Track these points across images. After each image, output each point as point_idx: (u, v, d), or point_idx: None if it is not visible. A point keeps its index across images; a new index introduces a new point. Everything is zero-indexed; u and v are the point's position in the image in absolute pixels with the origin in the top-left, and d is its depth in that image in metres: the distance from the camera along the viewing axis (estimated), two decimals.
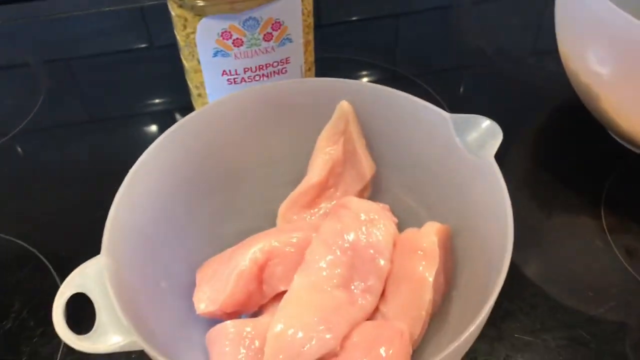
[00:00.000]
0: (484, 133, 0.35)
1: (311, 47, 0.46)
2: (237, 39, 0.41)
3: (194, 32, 0.41)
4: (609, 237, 0.46)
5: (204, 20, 0.40)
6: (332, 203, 0.42)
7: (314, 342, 0.33)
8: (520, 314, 0.41)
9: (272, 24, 0.42)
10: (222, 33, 0.41)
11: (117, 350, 0.27)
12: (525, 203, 0.48)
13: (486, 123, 0.35)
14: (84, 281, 0.29)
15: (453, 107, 0.54)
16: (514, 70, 0.60)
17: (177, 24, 0.41)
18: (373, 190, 0.43)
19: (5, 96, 0.60)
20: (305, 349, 0.33)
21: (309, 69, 0.47)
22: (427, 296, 0.35)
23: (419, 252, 0.36)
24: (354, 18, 0.67)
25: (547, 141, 0.54)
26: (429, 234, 0.36)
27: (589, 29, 0.43)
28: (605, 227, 0.46)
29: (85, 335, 0.28)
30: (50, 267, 0.44)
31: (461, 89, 0.59)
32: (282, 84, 0.39)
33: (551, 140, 0.54)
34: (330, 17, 0.67)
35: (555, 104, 0.56)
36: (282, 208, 0.42)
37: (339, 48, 0.62)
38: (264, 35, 0.42)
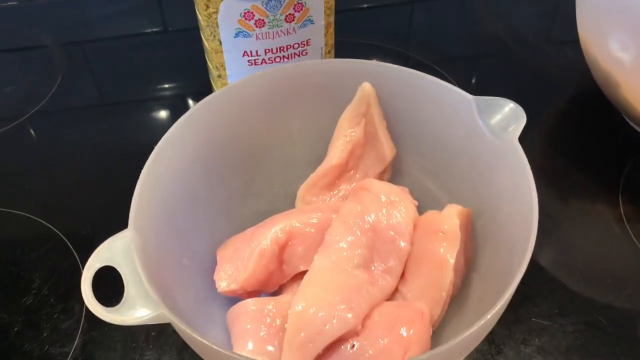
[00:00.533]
0: (508, 116, 0.35)
1: (332, 29, 0.46)
2: (259, 19, 0.41)
3: (216, 12, 0.41)
4: (627, 225, 0.46)
5: (226, 0, 0.40)
6: (352, 185, 0.42)
7: (335, 321, 0.34)
8: (538, 298, 0.42)
9: (295, 5, 0.42)
10: (245, 13, 0.41)
11: (146, 322, 0.28)
12: (542, 190, 0.47)
13: (510, 106, 0.35)
14: (112, 254, 0.29)
15: (471, 93, 0.54)
16: (530, 57, 0.60)
17: (200, 4, 0.41)
18: (393, 173, 0.43)
19: (23, 78, 0.60)
20: (326, 327, 0.34)
21: (329, 52, 0.47)
22: (448, 277, 0.35)
23: (440, 233, 0.36)
24: (368, 4, 0.67)
25: (564, 128, 0.54)
26: (451, 216, 0.36)
27: (612, 13, 0.43)
28: (623, 214, 0.46)
29: (114, 308, 0.28)
30: (70, 244, 0.45)
31: (477, 76, 0.59)
32: (304, 64, 0.39)
33: (569, 128, 0.54)
34: (347, 2, 0.67)
35: (573, 92, 0.56)
36: (302, 189, 0.42)
37: (354, 33, 0.62)
38: (286, 16, 0.42)
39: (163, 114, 0.57)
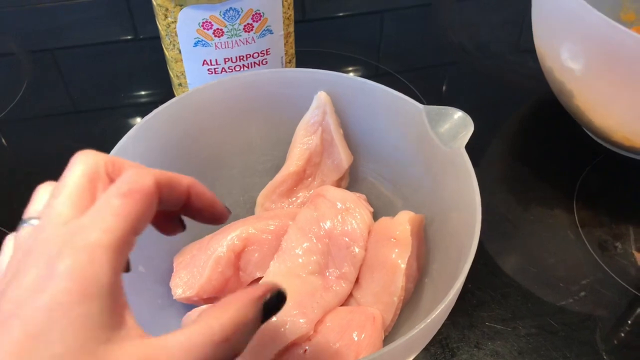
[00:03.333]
0: (456, 124, 0.36)
1: (292, 39, 0.46)
2: (218, 29, 0.42)
3: (174, 22, 0.42)
4: (581, 230, 0.47)
5: (184, 9, 0.41)
6: (310, 192, 0.43)
7: (287, 326, 0.34)
8: (493, 303, 0.42)
9: (253, 15, 0.42)
10: (203, 23, 0.42)
11: None
12: (503, 196, 0.49)
13: (458, 114, 0.36)
14: None
15: (433, 102, 0.55)
16: (494, 67, 0.61)
17: (159, 13, 0.42)
18: (350, 180, 0.43)
19: None
20: (278, 333, 0.34)
21: (290, 61, 0.48)
22: (399, 283, 0.36)
23: (392, 240, 0.37)
24: (339, 14, 0.68)
25: (524, 136, 0.55)
26: (402, 223, 0.37)
27: (563, 26, 0.44)
28: (577, 220, 0.47)
29: None
30: None
31: (442, 85, 0.60)
32: (261, 73, 0.40)
33: (528, 135, 0.55)
34: (315, 11, 0.68)
35: (534, 101, 0.58)
36: (261, 196, 0.43)
37: (323, 42, 0.63)
38: (245, 26, 0.42)
39: (132, 120, 0.57)
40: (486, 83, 0.60)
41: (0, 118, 0.55)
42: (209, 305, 0.38)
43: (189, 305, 0.38)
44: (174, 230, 0.29)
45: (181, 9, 0.41)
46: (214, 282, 0.38)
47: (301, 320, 0.35)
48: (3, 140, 0.55)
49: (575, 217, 0.48)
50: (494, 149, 0.54)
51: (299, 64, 0.49)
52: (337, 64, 0.61)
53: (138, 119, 0.56)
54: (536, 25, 0.49)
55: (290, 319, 0.34)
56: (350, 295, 0.38)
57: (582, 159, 0.51)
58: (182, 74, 0.45)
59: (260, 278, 0.38)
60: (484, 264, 0.44)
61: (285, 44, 0.46)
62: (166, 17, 0.41)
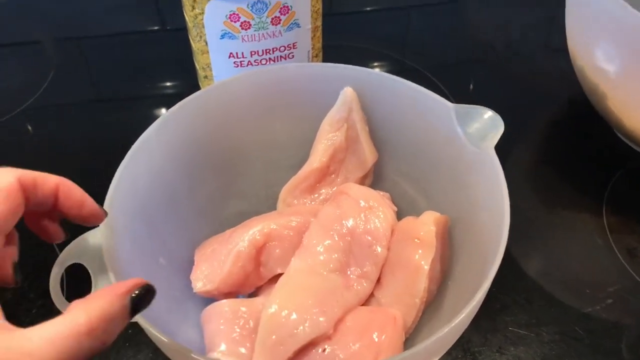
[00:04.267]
0: (486, 124, 0.35)
1: (319, 33, 0.46)
2: (245, 21, 0.42)
3: (202, 13, 0.41)
4: (610, 237, 0.46)
5: (212, 1, 0.40)
6: (333, 189, 0.42)
7: (307, 324, 0.34)
8: (516, 307, 0.42)
9: (281, 8, 0.42)
10: (230, 15, 0.41)
11: None
12: (529, 197, 0.48)
13: (488, 114, 0.35)
14: (82, 252, 0.29)
15: (460, 101, 0.54)
16: (523, 66, 0.60)
17: (186, 5, 0.42)
18: (374, 178, 0.43)
19: (16, 72, 0.60)
20: (298, 330, 0.34)
21: (317, 55, 0.47)
22: (422, 284, 0.35)
23: (416, 240, 0.36)
24: (367, 8, 0.67)
25: (553, 137, 0.54)
26: (427, 223, 0.36)
27: (599, 25, 0.43)
28: (606, 225, 0.46)
29: None
30: None
31: (470, 83, 0.59)
32: (287, 67, 0.39)
33: (558, 137, 0.54)
34: (341, 5, 0.67)
35: (564, 101, 0.56)
36: (283, 192, 0.42)
37: (349, 36, 0.62)
38: (272, 19, 0.42)
39: (157, 111, 0.57)
40: (515, 82, 0.59)
41: (27, 106, 0.56)
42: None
43: (208, 299, 0.38)
44: (55, 235, 0.29)
45: (209, 0, 0.40)
46: (234, 276, 0.38)
47: (321, 319, 0.34)
48: (29, 128, 0.55)
49: (604, 223, 0.46)
50: (521, 150, 0.53)
51: (325, 59, 0.49)
52: (363, 59, 0.60)
53: (163, 110, 0.56)
54: (570, 24, 0.48)
55: (310, 317, 0.34)
56: (372, 295, 0.37)
57: (613, 163, 0.50)
58: (208, 66, 0.45)
59: (281, 274, 0.37)
60: (509, 267, 0.43)
61: (312, 38, 0.45)
62: (194, 8, 0.41)
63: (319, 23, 0.45)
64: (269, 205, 0.43)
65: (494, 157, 0.33)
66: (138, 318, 0.28)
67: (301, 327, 0.34)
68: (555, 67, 0.59)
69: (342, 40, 0.61)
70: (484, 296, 0.30)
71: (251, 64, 0.44)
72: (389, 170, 0.42)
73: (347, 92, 0.39)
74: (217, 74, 0.45)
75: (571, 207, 0.48)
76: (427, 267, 0.35)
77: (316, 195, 0.42)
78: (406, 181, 0.42)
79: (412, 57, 0.61)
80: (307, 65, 0.43)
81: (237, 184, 0.42)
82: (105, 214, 0.29)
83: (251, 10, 0.41)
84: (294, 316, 0.34)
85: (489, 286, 0.30)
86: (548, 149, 0.53)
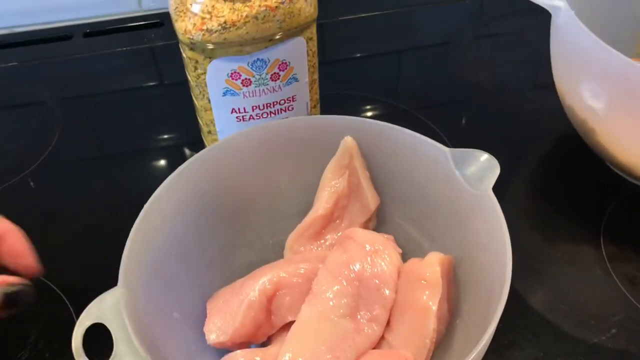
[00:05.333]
0: (482, 167, 0.37)
1: (316, 85, 0.48)
2: (246, 79, 0.44)
3: (204, 73, 0.43)
4: (609, 266, 0.47)
5: (214, 62, 0.42)
6: (338, 234, 0.43)
7: None
8: (523, 342, 0.42)
9: (279, 65, 0.44)
10: (232, 74, 0.43)
11: None
12: (527, 233, 0.50)
13: (484, 157, 0.37)
14: (101, 312, 0.31)
15: (454, 140, 0.56)
16: (513, 104, 0.62)
17: (189, 65, 0.44)
18: (377, 222, 0.44)
19: (22, 133, 0.62)
20: None
21: (315, 106, 0.49)
22: (431, 325, 0.36)
23: (423, 281, 0.37)
24: (357, 55, 0.70)
25: (547, 173, 0.56)
26: (432, 264, 0.38)
27: (581, 66, 0.45)
28: (605, 256, 0.47)
29: None
30: (65, 299, 0.46)
31: (462, 123, 0.61)
32: (289, 121, 0.41)
33: (551, 172, 0.56)
34: (333, 54, 0.69)
35: (555, 137, 0.58)
36: (290, 240, 0.44)
37: (342, 84, 0.64)
38: (271, 75, 0.44)
39: (161, 164, 0.58)
40: (506, 120, 0.60)
41: (35, 166, 0.57)
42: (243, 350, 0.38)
43: (223, 349, 0.39)
44: None
45: (210, 61, 0.42)
46: (247, 327, 0.38)
47: None
48: (37, 188, 0.56)
49: (603, 253, 0.48)
50: (516, 187, 0.54)
51: (322, 107, 0.51)
52: (357, 105, 0.62)
53: (165, 162, 0.58)
54: (555, 65, 0.50)
55: None
56: (382, 337, 0.38)
57: (607, 194, 0.52)
58: (212, 122, 0.47)
59: (293, 322, 0.38)
60: (513, 303, 0.44)
61: (310, 90, 0.47)
62: (196, 69, 0.43)
63: (316, 76, 0.47)
64: (276, 253, 0.44)
65: (493, 198, 0.35)
66: None
67: None
68: (544, 103, 0.61)
69: (335, 89, 0.63)
70: (492, 335, 0.31)
71: (253, 118, 0.46)
72: (391, 213, 0.44)
73: (348, 141, 0.41)
74: (221, 129, 0.47)
75: (569, 240, 0.49)
76: (435, 308, 0.36)
77: (322, 241, 0.44)
78: (409, 223, 0.43)
79: (404, 101, 0.63)
80: (308, 118, 0.45)
81: (244, 234, 0.44)
82: (42, 271, 0.30)
83: (251, 68, 0.43)
84: None
85: (496, 325, 0.31)
86: (543, 184, 0.55)
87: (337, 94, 0.62)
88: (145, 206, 0.36)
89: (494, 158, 0.37)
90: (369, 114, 0.62)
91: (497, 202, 0.34)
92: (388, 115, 0.61)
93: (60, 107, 0.64)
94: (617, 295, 0.45)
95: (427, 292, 0.37)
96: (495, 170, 0.36)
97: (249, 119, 0.46)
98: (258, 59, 0.43)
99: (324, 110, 0.51)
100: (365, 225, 0.44)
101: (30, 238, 0.50)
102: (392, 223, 0.44)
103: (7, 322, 0.44)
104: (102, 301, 0.31)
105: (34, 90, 0.66)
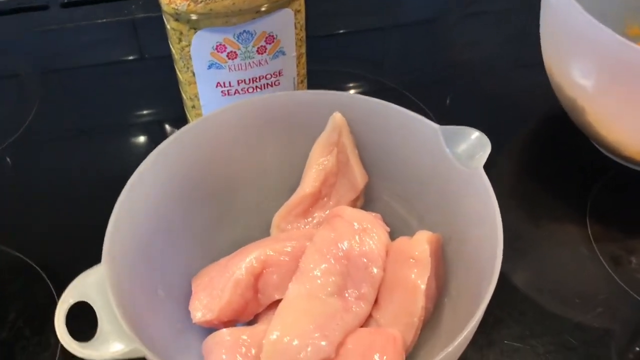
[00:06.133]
0: (473, 144, 0.36)
1: (303, 59, 0.47)
2: (232, 51, 0.42)
3: (189, 45, 0.42)
4: (595, 246, 0.47)
5: (199, 33, 0.41)
6: (326, 213, 0.43)
7: (309, 349, 0.34)
8: (510, 320, 0.42)
9: (266, 38, 0.43)
10: (217, 46, 0.42)
11: (120, 357, 0.28)
12: (514, 213, 0.50)
13: (475, 134, 0.36)
14: (85, 290, 0.30)
15: (440, 118, 0.55)
16: (500, 82, 0.61)
17: (173, 37, 0.42)
18: (366, 200, 0.44)
19: None
20: (300, 356, 0.34)
21: (302, 82, 0.48)
22: (419, 303, 0.36)
23: (411, 260, 0.37)
24: (341, 31, 0.69)
25: (533, 152, 0.56)
26: (421, 242, 0.37)
27: (572, 43, 0.44)
28: (590, 235, 0.48)
29: (87, 343, 0.28)
30: (45, 277, 0.45)
31: (448, 101, 0.60)
32: (276, 96, 0.40)
33: (537, 151, 0.55)
34: (319, 29, 0.68)
35: (541, 116, 0.58)
36: (277, 217, 0.43)
37: (328, 60, 0.63)
38: (258, 48, 0.43)
39: (142, 140, 0.57)
40: (492, 99, 0.60)
41: (11, 141, 0.55)
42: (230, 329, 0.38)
43: (209, 328, 0.38)
44: None
45: (195, 32, 0.41)
46: (234, 305, 0.38)
47: (323, 343, 0.35)
48: (13, 164, 0.55)
49: (588, 233, 0.48)
50: (503, 166, 0.54)
51: (309, 83, 0.50)
52: (343, 82, 0.61)
53: (146, 138, 0.56)
54: (545, 43, 0.49)
55: (312, 342, 0.34)
56: (370, 316, 0.38)
57: (593, 174, 0.52)
58: (196, 96, 0.45)
59: (279, 300, 0.38)
60: (500, 282, 0.44)
61: (297, 65, 0.46)
62: (180, 40, 0.42)
63: (303, 50, 0.46)
64: (262, 231, 0.43)
65: (484, 175, 0.34)
66: (147, 354, 0.28)
67: (303, 352, 0.34)
68: (532, 82, 0.60)
69: (321, 65, 0.62)
70: (482, 315, 0.31)
71: (238, 93, 0.45)
72: (380, 191, 0.43)
73: (336, 117, 0.40)
74: (205, 104, 0.46)
75: (555, 219, 0.49)
76: (423, 286, 0.36)
77: (309, 219, 0.43)
78: (397, 202, 0.43)
79: (391, 78, 0.62)
80: (295, 93, 0.44)
81: (230, 212, 0.43)
82: None
83: (237, 40, 0.42)
84: (295, 342, 0.34)
85: (487, 304, 0.30)
86: (529, 163, 0.55)
87: (323, 70, 0.61)
88: (130, 181, 0.35)
89: (485, 136, 0.36)
90: (354, 90, 0.61)
91: (487, 179, 0.34)
92: (374, 92, 0.60)
93: (37, 80, 0.62)
94: (602, 275, 0.45)
95: (415, 271, 0.37)
96: (487, 147, 0.36)
97: (235, 93, 0.45)
98: (244, 30, 0.42)
99: (311, 87, 0.49)
100: (354, 204, 0.43)
101: (4, 216, 0.49)
102: (381, 201, 0.43)
103: None
104: (85, 279, 0.30)
105: (9, 61, 0.64)
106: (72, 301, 0.30)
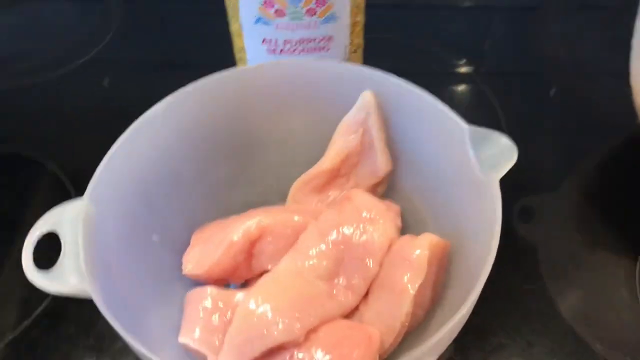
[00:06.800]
0: (500, 151, 0.33)
1: (359, 28, 0.44)
2: (279, 9, 0.41)
3: None
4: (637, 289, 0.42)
5: None
6: (343, 193, 0.41)
7: (279, 327, 0.33)
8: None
9: (317, 0, 0.40)
10: (265, 1, 0.40)
11: (68, 294, 0.28)
12: (568, 236, 0.45)
13: (503, 141, 0.33)
14: (59, 221, 0.30)
15: (507, 116, 0.51)
16: (587, 90, 0.55)
17: None
18: (388, 188, 0.41)
19: (80, 25, 0.62)
20: (268, 332, 0.33)
21: (355, 51, 0.45)
22: (405, 308, 0.34)
23: (407, 261, 0.35)
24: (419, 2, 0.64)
25: (604, 174, 0.50)
26: (421, 246, 0.34)
27: None
28: (637, 278, 0.42)
29: (46, 271, 0.29)
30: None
31: (521, 99, 0.55)
32: (309, 62, 0.38)
33: (608, 175, 0.49)
34: None
35: (624, 135, 0.51)
36: (293, 188, 0.42)
37: (395, 31, 0.59)
38: (307, 9, 0.41)
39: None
40: (574, 105, 0.54)
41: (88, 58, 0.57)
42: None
43: (198, 281, 0.38)
44: None
45: None
46: (224, 265, 0.37)
47: (294, 324, 0.33)
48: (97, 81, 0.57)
49: (636, 275, 0.42)
50: (574, 180, 0.49)
51: (367, 53, 0.47)
52: (412, 57, 0.57)
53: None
54: (636, 61, 0.43)
55: (283, 321, 0.33)
56: (357, 309, 0.36)
57: None
58: (243, 49, 0.44)
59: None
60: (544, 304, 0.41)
61: (351, 33, 0.44)
62: None
63: (360, 18, 0.43)
64: (279, 198, 0.42)
65: (496, 187, 0.31)
66: (94, 298, 0.28)
67: (273, 328, 0.33)
68: (622, 95, 0.54)
69: (388, 33, 0.58)
70: (461, 324, 0.28)
71: (284, 52, 0.43)
72: (403, 182, 0.41)
73: (366, 96, 0.38)
74: (251, 58, 0.45)
75: (607, 254, 0.44)
76: (412, 292, 0.34)
77: (325, 197, 0.41)
78: (418, 197, 0.40)
79: (465, 60, 0.57)
80: (329, 63, 0.41)
81: (247, 173, 0.42)
82: None
83: None
84: (268, 317, 0.33)
85: (462, 316, 0.28)
86: (598, 186, 0.49)
87: (389, 39, 0.57)
88: (135, 123, 0.35)
89: (514, 146, 0.32)
90: (420, 70, 0.56)
91: (499, 192, 0.31)
92: (438, 74, 0.56)
93: (119, 4, 0.63)
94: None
95: (408, 274, 0.34)
96: (512, 158, 0.32)
97: (280, 52, 0.43)
98: None
99: (369, 57, 0.47)
100: (373, 189, 0.41)
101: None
102: (403, 193, 0.41)
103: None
104: (62, 210, 0.30)
105: None
106: (44, 230, 0.30)
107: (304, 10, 0.41)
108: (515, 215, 0.45)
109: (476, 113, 0.52)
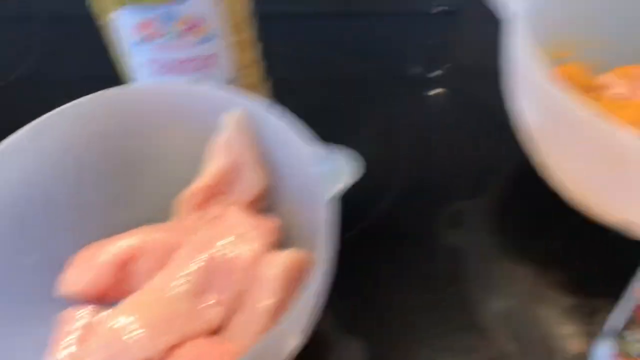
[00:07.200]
0: (340, 169, 0.33)
1: (247, 44, 0.45)
2: (156, 31, 0.41)
3: (116, 19, 0.41)
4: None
5: (123, 8, 0.40)
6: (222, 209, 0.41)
7: (139, 344, 0.34)
8: None
9: (192, 20, 0.41)
10: (141, 24, 0.41)
11: None
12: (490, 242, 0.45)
13: (344, 159, 0.33)
14: None
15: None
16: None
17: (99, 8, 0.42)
18: (271, 204, 0.42)
19: None
20: (127, 348, 0.34)
21: (247, 67, 0.46)
22: (260, 326, 0.34)
23: (265, 279, 0.35)
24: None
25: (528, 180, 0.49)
26: (277, 265, 0.35)
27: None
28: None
29: None
30: None
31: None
32: (178, 84, 0.39)
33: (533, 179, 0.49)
34: None
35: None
36: (175, 205, 0.42)
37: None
38: (184, 29, 0.41)
39: None
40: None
41: None
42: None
43: (76, 302, 0.39)
44: None
45: (120, 6, 0.40)
46: (98, 285, 0.38)
47: (155, 341, 0.34)
48: None
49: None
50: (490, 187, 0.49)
51: (273, 68, 0.47)
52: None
53: None
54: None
55: (143, 338, 0.34)
56: (224, 325, 0.37)
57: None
58: (128, 68, 0.45)
59: None
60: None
61: (239, 51, 0.44)
62: (107, 12, 0.41)
63: (246, 36, 0.44)
64: (166, 216, 0.43)
65: (333, 205, 0.31)
66: None
67: (132, 346, 0.34)
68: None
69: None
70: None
71: (169, 72, 0.44)
72: (284, 197, 0.41)
73: (234, 115, 0.38)
74: (137, 78, 0.45)
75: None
76: (266, 310, 0.34)
77: (206, 213, 0.42)
78: (298, 211, 0.40)
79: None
80: (191, 85, 0.41)
81: (133, 191, 0.42)
82: None
83: (161, 19, 0.41)
84: (128, 334, 0.34)
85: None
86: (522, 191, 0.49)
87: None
88: (15, 135, 0.36)
89: (355, 161, 0.33)
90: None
91: (336, 208, 0.31)
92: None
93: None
94: None
95: (264, 292, 0.35)
96: (350, 174, 0.32)
97: (165, 72, 0.44)
98: (169, 10, 0.40)
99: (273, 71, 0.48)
100: (254, 205, 0.41)
101: None
102: (283, 208, 0.41)
103: None
104: None
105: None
106: None
107: (180, 30, 0.41)
108: (441, 222, 0.45)
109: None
